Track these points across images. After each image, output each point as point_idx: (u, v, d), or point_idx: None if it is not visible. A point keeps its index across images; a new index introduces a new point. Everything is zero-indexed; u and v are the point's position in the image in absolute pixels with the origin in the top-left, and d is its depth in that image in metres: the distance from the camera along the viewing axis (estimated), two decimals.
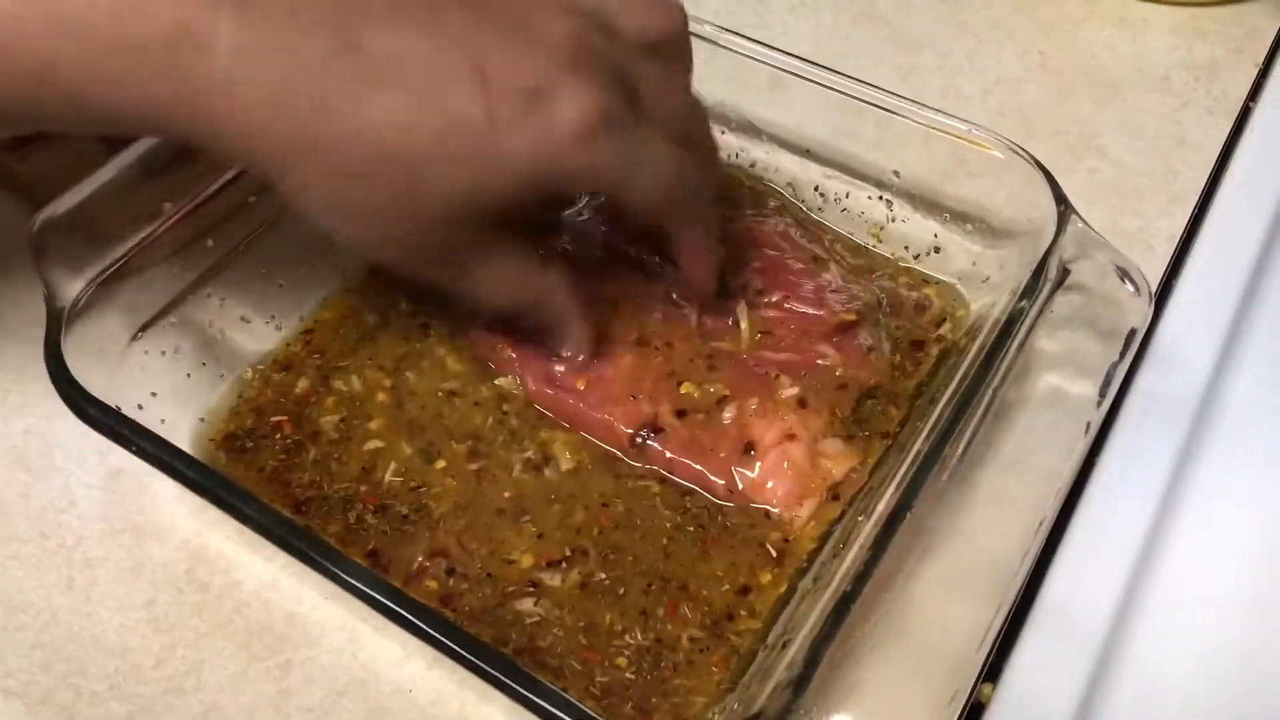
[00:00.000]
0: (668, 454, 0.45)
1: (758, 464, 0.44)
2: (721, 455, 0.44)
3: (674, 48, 0.42)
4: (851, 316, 0.47)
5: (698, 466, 0.44)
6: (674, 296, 0.48)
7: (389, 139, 0.36)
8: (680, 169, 0.41)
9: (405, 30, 0.36)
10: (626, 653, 0.40)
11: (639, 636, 0.41)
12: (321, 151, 0.36)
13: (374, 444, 0.46)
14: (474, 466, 0.45)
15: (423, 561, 0.42)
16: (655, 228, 0.44)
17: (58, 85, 0.34)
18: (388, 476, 0.45)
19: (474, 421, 0.47)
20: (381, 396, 0.47)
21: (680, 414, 0.45)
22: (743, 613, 0.41)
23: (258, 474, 0.45)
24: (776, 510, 0.43)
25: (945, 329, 0.49)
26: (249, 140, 0.36)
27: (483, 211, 0.38)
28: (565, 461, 0.45)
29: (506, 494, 0.44)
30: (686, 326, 0.47)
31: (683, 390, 0.45)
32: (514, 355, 0.47)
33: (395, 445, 0.46)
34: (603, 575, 0.42)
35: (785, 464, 0.44)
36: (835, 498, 0.44)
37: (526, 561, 0.42)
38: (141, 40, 0.33)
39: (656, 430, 0.45)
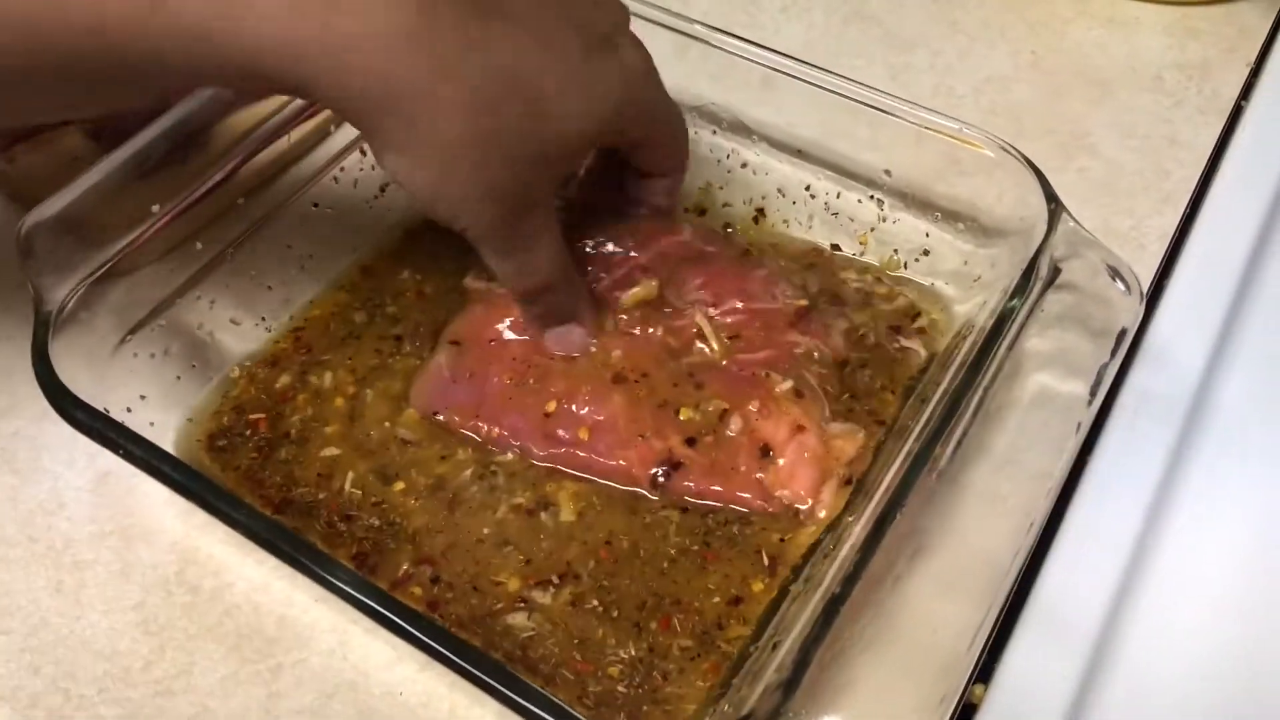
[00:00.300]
0: (693, 485, 0.44)
1: (780, 461, 0.43)
2: (743, 469, 0.44)
3: None
4: (803, 301, 0.48)
5: (723, 489, 0.44)
6: (621, 320, 0.47)
7: (519, 66, 0.38)
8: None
9: None
10: (619, 665, 0.40)
11: (632, 650, 0.40)
12: (455, 78, 0.36)
13: (330, 451, 0.46)
14: (442, 497, 0.44)
15: (408, 569, 0.42)
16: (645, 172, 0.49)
17: (172, 15, 0.33)
18: (347, 487, 0.45)
19: (435, 469, 0.45)
20: (339, 402, 0.47)
21: (690, 441, 0.44)
22: (733, 621, 0.41)
23: (234, 473, 0.45)
24: (807, 505, 0.43)
25: (922, 321, 0.49)
26: (376, 70, 0.35)
27: (575, 152, 0.42)
28: (567, 511, 0.44)
29: (486, 530, 0.43)
30: (651, 350, 0.46)
31: (682, 417, 0.44)
32: (504, 433, 0.45)
33: (350, 457, 0.45)
34: (595, 601, 0.42)
35: (805, 454, 0.43)
36: (848, 481, 0.43)
37: (514, 585, 0.42)
38: None
39: (675, 466, 0.44)
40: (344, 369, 0.48)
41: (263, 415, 0.47)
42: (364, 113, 0.37)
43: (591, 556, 0.43)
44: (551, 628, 0.41)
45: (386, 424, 0.47)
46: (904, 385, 0.47)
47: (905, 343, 0.49)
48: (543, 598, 0.41)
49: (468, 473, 0.45)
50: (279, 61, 0.34)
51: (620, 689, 0.39)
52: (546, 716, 0.33)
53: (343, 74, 0.35)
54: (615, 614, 0.41)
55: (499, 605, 0.41)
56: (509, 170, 0.39)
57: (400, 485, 0.45)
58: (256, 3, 0.33)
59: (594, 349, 0.46)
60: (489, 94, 0.37)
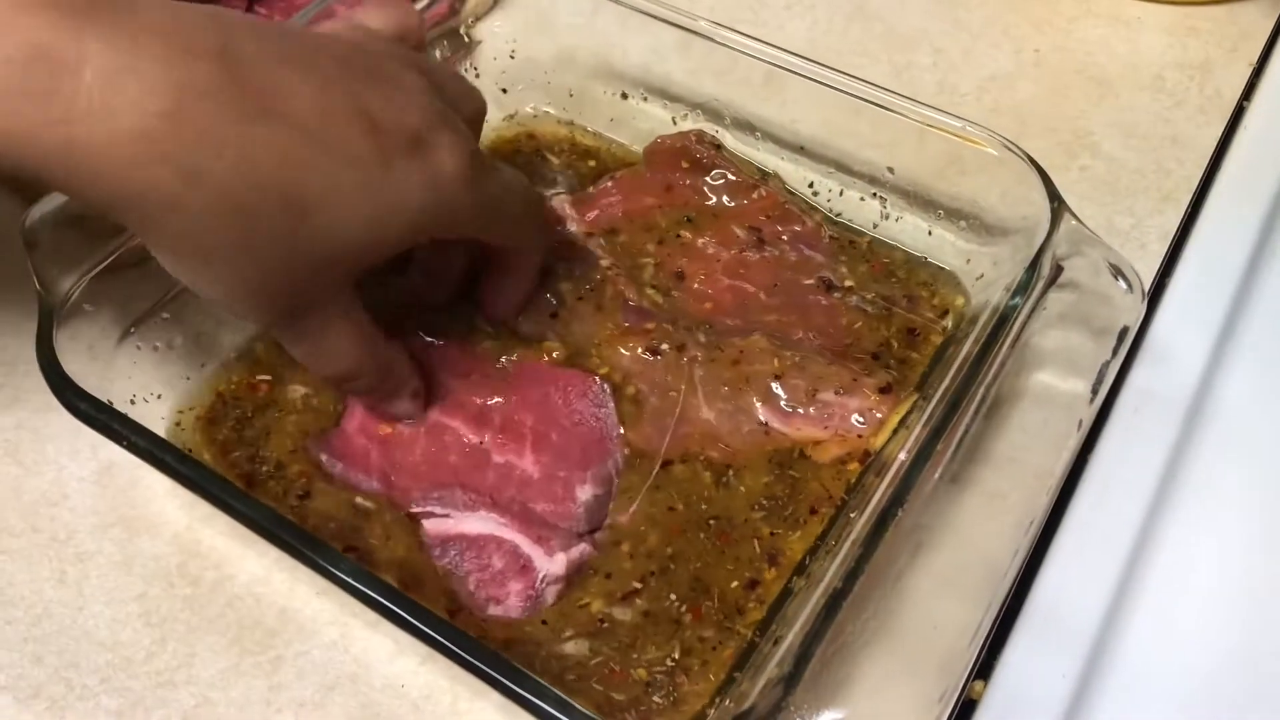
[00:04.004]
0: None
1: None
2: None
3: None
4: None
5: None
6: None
7: (282, 174, 0.34)
8: (533, 194, 0.46)
9: (287, 67, 0.35)
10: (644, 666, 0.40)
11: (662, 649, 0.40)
12: (203, 185, 0.33)
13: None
14: None
15: None
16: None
17: None
18: None
19: None
20: None
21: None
22: (751, 605, 0.41)
23: (234, 472, 0.45)
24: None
25: (947, 321, 0.49)
26: (118, 176, 0.32)
27: (358, 258, 0.38)
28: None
29: None
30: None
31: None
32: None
33: None
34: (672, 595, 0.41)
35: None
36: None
37: (597, 606, 0.41)
38: None
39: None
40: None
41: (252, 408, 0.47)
42: (121, 214, 0.34)
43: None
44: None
45: None
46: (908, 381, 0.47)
47: (908, 340, 0.49)
48: (622, 614, 0.41)
49: None
50: (22, 166, 0.32)
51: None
52: (548, 708, 0.33)
53: (86, 181, 0.32)
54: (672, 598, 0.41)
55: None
56: (269, 274, 0.36)
57: None
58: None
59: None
60: (241, 199, 0.34)
